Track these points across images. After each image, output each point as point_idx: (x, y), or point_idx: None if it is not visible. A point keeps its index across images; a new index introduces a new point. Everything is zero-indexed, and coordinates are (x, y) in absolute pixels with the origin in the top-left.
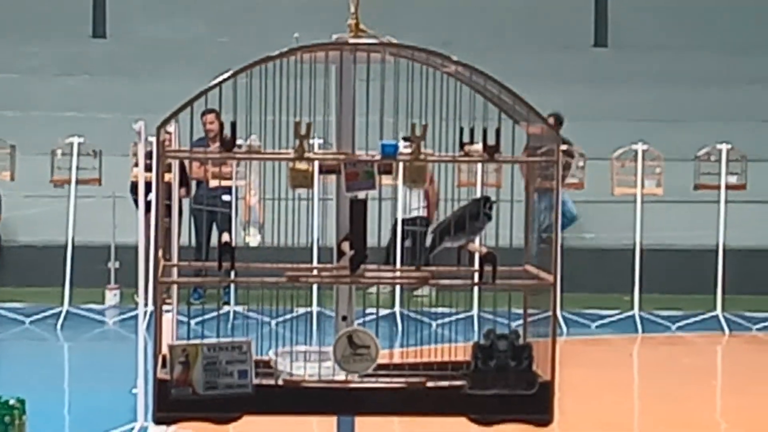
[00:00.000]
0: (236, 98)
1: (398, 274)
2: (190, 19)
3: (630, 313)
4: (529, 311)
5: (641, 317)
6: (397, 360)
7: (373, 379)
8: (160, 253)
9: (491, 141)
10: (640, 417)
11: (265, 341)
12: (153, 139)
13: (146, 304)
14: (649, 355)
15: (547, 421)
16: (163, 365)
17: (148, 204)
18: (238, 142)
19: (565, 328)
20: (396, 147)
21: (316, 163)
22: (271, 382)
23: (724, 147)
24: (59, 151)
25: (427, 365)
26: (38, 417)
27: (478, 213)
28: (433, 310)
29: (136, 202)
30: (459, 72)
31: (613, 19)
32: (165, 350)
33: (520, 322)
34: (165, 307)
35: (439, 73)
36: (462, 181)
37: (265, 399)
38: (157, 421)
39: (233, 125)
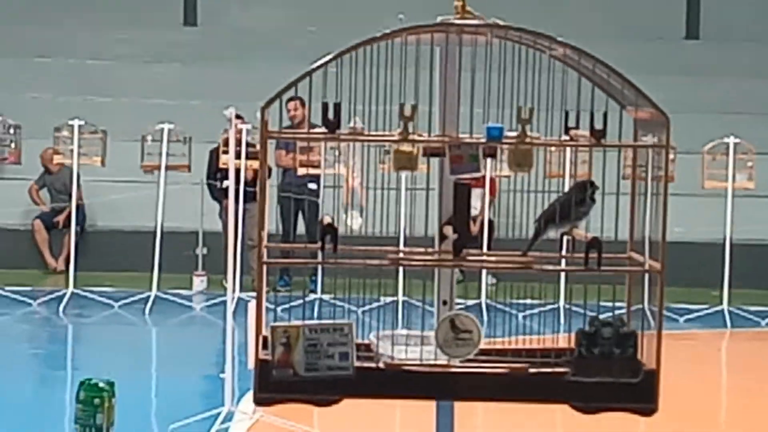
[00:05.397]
0: (340, 83)
1: (501, 258)
2: (280, 7)
3: (719, 308)
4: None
5: (730, 312)
6: (498, 346)
7: (475, 365)
8: (263, 234)
9: (598, 125)
10: (727, 412)
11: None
12: (244, 126)
13: (234, 290)
14: (737, 351)
15: (652, 410)
16: (264, 346)
17: (225, 191)
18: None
19: (653, 322)
20: (501, 130)
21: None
22: (372, 365)
23: None
24: (149, 138)
25: (529, 352)
26: (126, 400)
27: (583, 198)
28: (519, 301)
29: (211, 189)
30: (567, 56)
31: (705, 11)
32: (266, 331)
33: (616, 312)
34: (251, 294)
35: (546, 57)
36: (550, 173)
37: (365, 382)
38: (258, 402)
39: (337, 107)
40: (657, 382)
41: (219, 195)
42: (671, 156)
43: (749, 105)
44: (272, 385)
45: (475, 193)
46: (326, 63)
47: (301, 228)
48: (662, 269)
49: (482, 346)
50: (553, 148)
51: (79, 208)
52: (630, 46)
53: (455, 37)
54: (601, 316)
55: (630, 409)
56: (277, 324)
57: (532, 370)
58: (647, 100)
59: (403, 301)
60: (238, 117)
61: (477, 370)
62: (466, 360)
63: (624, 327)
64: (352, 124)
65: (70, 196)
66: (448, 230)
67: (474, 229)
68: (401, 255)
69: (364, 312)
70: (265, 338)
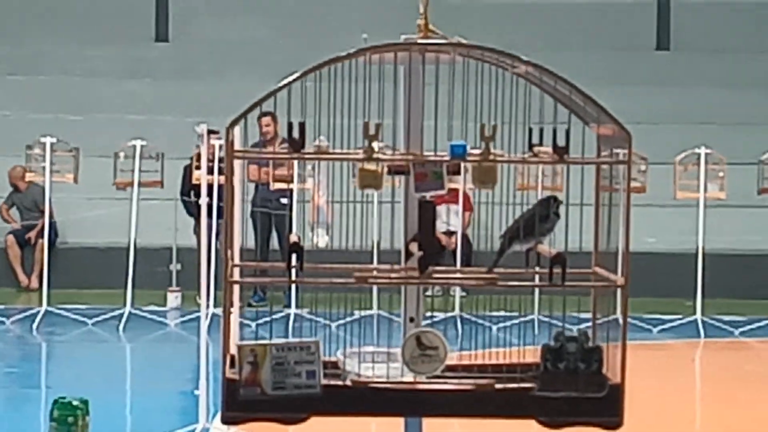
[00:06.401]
0: (305, 100)
1: (466, 275)
2: (252, 22)
3: (692, 318)
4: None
5: (704, 322)
6: (465, 362)
7: (442, 381)
8: (229, 253)
9: (561, 142)
10: (702, 423)
11: (326, 344)
12: (217, 141)
13: (208, 306)
14: (711, 361)
15: (617, 424)
16: (232, 365)
17: (200, 207)
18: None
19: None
20: (465, 147)
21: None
22: (339, 382)
23: None
24: (122, 154)
25: (495, 367)
26: (101, 417)
27: (547, 214)
28: (493, 314)
29: (186, 205)
30: (529, 73)
31: (676, 22)
32: (233, 350)
33: (585, 325)
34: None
35: (509, 74)
36: (521, 185)
37: (333, 399)
38: (225, 421)
39: (302, 126)
40: (622, 396)
41: (194, 210)
42: (643, 167)
43: (720, 115)
44: (239, 404)
45: (452, 209)
46: (291, 82)
47: (272, 243)
48: (626, 284)
49: (449, 362)
50: None
51: (51, 225)
52: (601, 57)
53: (418, 56)
54: (570, 328)
55: (595, 423)
56: (243, 343)
57: (498, 386)
58: (609, 116)
59: (378, 315)
60: (212, 132)
61: (443, 386)
62: (432, 376)
63: (589, 342)
64: (317, 143)
65: (41, 212)
66: (414, 247)
67: (451, 244)
68: (367, 273)
69: (338, 326)
70: (232, 357)
